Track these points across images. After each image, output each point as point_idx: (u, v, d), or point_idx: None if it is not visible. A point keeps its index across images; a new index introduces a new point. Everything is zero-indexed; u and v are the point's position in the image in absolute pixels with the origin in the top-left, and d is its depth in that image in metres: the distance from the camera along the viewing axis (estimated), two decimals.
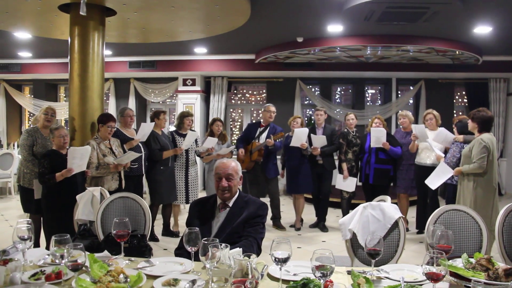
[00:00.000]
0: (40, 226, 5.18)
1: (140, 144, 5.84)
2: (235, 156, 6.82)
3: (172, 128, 6.84)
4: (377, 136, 6.34)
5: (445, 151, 5.92)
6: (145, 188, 6.66)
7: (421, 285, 2.15)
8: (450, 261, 2.31)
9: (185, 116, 6.58)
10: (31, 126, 5.53)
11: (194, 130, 6.63)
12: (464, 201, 4.91)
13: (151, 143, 6.02)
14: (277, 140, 6.57)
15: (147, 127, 5.92)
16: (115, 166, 5.18)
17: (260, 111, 11.50)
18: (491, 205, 4.79)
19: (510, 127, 10.64)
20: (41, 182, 4.64)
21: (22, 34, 7.76)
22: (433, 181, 5.48)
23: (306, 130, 6.58)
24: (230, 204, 3.07)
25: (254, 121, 8.68)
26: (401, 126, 6.97)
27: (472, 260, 2.31)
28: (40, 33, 7.39)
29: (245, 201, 3.09)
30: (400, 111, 7.11)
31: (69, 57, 5.66)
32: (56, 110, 5.51)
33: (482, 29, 7.38)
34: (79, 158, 4.62)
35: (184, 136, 6.40)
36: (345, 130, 6.88)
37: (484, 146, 4.75)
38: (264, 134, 6.75)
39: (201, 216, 3.09)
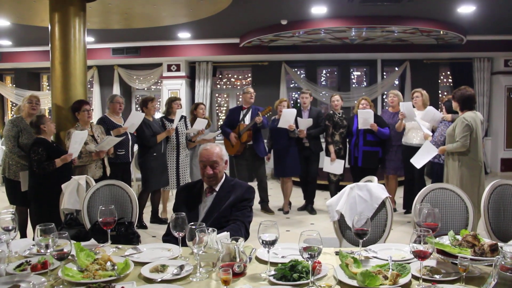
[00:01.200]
0: (27, 218, 5.13)
1: (126, 131, 5.77)
2: (219, 141, 6.79)
3: (161, 115, 6.77)
4: (365, 118, 6.32)
5: (433, 130, 5.96)
6: (134, 175, 6.62)
7: (409, 263, 2.17)
8: (437, 238, 2.33)
9: (173, 100, 6.55)
10: (14, 116, 5.41)
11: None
12: (451, 181, 4.96)
13: (144, 129, 5.97)
14: (265, 116, 6.55)
15: (136, 117, 5.85)
16: (97, 153, 5.13)
17: None
18: (477, 183, 4.85)
19: (494, 106, 10.74)
20: (39, 169, 4.53)
21: (1, 22, 7.58)
22: (418, 160, 5.52)
23: (294, 111, 6.56)
24: (217, 189, 3.06)
25: (236, 105, 8.60)
26: (387, 108, 6.98)
27: (459, 237, 2.33)
28: (19, 20, 7.23)
29: (232, 185, 3.08)
30: (392, 90, 7.05)
31: (50, 44, 5.54)
32: (40, 98, 5.41)
33: (466, 9, 7.40)
34: (79, 143, 4.63)
35: (172, 121, 6.36)
36: (331, 112, 6.86)
37: (467, 125, 4.79)
38: (248, 116, 6.73)
39: (188, 202, 3.07)
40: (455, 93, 5.02)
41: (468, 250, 2.18)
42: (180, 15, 7.26)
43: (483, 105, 10.53)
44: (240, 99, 11.68)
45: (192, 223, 2.23)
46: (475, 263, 2.10)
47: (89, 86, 5.91)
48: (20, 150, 5.02)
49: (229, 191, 3.03)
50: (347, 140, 6.80)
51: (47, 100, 10.99)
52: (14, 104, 12.05)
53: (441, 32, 8.50)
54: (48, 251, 2.11)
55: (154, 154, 6.15)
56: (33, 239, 2.85)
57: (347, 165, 6.80)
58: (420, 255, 2.01)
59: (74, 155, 4.67)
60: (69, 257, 2.17)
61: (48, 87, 12.17)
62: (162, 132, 6.17)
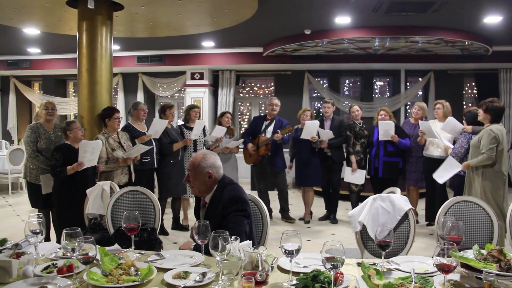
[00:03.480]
0: (49, 221, 5.24)
1: (151, 139, 5.85)
2: (242, 150, 6.84)
3: (181, 122, 6.86)
4: (385, 129, 6.29)
5: (454, 142, 5.88)
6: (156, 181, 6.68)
7: (432, 276, 2.14)
8: (461, 252, 2.29)
9: (191, 108, 6.63)
10: (33, 122, 5.54)
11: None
12: (474, 192, 4.87)
13: (161, 137, 6.04)
14: (285, 135, 6.57)
15: (159, 124, 5.93)
16: (124, 160, 5.21)
17: None
18: (501, 195, 4.76)
19: None
20: (52, 174, 4.69)
21: (31, 30, 7.80)
22: (441, 175, 5.45)
23: (317, 122, 6.56)
24: (208, 201, 2.93)
25: (261, 114, 8.62)
26: (410, 119, 6.91)
27: (484, 251, 2.29)
28: (48, 28, 7.42)
29: (223, 191, 2.86)
30: (418, 102, 6.96)
31: (77, 52, 5.67)
32: (55, 104, 5.50)
33: (492, 19, 7.29)
34: (90, 152, 4.67)
35: (191, 128, 6.41)
36: (351, 122, 6.83)
37: (494, 137, 4.71)
38: (271, 128, 6.75)
39: (197, 212, 3.10)
40: (487, 105, 4.83)
41: (494, 265, 2.14)
42: (204, 24, 7.35)
43: (509, 117, 10.33)
44: (263, 108, 11.74)
45: (215, 230, 2.24)
46: (501, 279, 2.07)
47: (113, 93, 6.07)
48: (38, 154, 5.15)
49: (218, 201, 2.84)
50: (368, 150, 6.76)
51: (73, 107, 11.23)
52: None
53: (466, 42, 8.40)
54: (74, 254, 2.16)
55: (171, 161, 6.20)
56: (57, 242, 2.91)
57: (367, 176, 6.75)
58: (444, 269, 1.98)
59: (87, 164, 4.68)
60: (94, 261, 2.20)
61: (74, 94, 12.42)
62: (180, 141, 6.23)
